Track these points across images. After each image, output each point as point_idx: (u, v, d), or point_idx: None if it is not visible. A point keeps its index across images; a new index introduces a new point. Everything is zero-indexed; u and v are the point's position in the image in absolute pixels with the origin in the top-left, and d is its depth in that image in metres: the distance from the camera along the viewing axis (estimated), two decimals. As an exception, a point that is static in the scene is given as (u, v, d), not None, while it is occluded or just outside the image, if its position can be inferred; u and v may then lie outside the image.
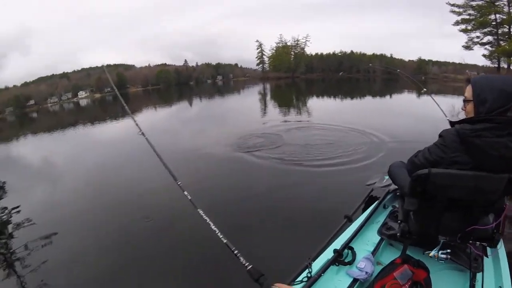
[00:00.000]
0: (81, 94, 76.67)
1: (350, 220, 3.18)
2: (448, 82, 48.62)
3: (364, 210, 3.46)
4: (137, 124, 2.21)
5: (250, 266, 1.75)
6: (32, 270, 4.62)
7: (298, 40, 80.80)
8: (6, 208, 7.41)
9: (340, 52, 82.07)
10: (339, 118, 12.99)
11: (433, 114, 6.58)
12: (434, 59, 70.15)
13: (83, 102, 63.96)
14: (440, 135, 2.01)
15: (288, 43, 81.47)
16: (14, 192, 8.66)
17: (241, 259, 1.80)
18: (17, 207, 7.26)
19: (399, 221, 2.55)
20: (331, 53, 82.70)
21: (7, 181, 9.78)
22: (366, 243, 2.79)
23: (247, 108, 22.72)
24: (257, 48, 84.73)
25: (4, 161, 14.91)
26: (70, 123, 25.97)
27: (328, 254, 2.52)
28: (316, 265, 2.36)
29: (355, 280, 2.28)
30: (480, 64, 45.99)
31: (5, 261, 5.21)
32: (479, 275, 2.24)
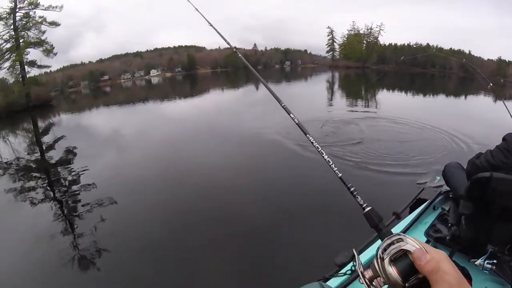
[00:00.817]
0: (153, 72, 79.55)
1: (398, 217, 3.13)
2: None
3: (412, 208, 3.42)
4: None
5: (369, 208, 1.69)
6: (89, 227, 4.98)
7: (371, 29, 77.45)
8: (74, 170, 7.97)
9: (415, 44, 77.89)
10: (407, 113, 12.23)
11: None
12: (516, 61, 64.38)
13: (154, 80, 66.52)
14: (503, 139, 1.95)
15: (361, 31, 78.47)
16: (83, 157, 9.26)
17: (359, 198, 1.74)
18: (85, 169, 7.76)
19: (449, 224, 2.50)
20: (406, 44, 78.77)
21: (78, 146, 10.47)
22: None
23: (312, 95, 22.31)
24: (328, 35, 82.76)
25: (77, 129, 15.92)
26: (140, 98, 27.04)
27: (374, 249, 2.31)
28: (362, 258, 2.17)
29: None
30: None
31: (66, 218, 5.60)
32: None
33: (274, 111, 13.29)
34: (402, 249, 0.69)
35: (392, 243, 0.72)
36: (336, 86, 32.13)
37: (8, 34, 30.00)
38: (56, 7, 31.87)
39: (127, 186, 6.71)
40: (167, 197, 5.94)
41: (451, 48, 72.41)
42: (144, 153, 9.20)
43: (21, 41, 30.44)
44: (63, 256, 4.27)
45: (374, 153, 7.63)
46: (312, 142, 1.92)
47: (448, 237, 2.44)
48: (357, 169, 6.62)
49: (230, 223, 4.78)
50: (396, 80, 37.88)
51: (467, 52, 70.19)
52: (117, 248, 4.36)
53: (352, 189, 1.81)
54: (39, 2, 31.40)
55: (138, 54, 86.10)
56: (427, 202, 3.29)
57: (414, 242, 0.70)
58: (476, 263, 2.12)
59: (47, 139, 13.64)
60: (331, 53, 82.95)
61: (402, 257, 0.68)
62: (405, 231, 2.69)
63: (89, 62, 71.91)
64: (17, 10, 30.32)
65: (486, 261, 2.08)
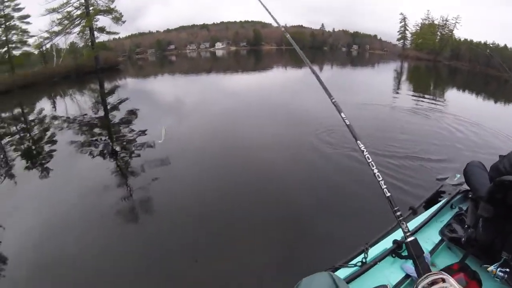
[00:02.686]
0: (218, 45, 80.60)
1: (414, 212, 3.07)
2: None
3: (428, 204, 3.34)
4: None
5: (411, 239, 1.70)
6: (141, 184, 5.34)
7: (447, 20, 72.71)
8: (134, 130, 8.35)
9: (492, 44, 72.37)
10: (469, 114, 11.16)
11: None
12: None
13: (219, 53, 67.43)
14: None
15: (436, 22, 74.32)
16: (144, 120, 9.61)
17: (404, 224, 1.71)
18: (144, 130, 7.97)
19: (466, 226, 2.46)
20: (482, 42, 73.40)
21: (140, 109, 10.77)
22: (426, 241, 2.65)
23: (379, 84, 21.40)
24: (400, 22, 79.18)
25: (141, 93, 16.48)
26: (204, 69, 27.37)
27: (386, 243, 2.42)
28: (373, 251, 2.30)
29: (407, 276, 2.21)
30: None
31: (121, 172, 5.98)
32: None
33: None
34: None
35: (434, 283, 0.71)
36: (403, 77, 30.62)
37: (78, 1, 31.54)
38: None
39: (182, 151, 6.98)
40: (217, 166, 6.14)
41: None
42: (202, 122, 9.44)
43: (91, 8, 31.80)
44: (114, 207, 4.61)
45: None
46: (363, 151, 1.86)
47: (463, 239, 2.39)
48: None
49: (271, 201, 4.84)
50: (469, 79, 35.51)
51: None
52: (164, 207, 4.61)
53: (398, 213, 1.72)
54: None
55: (204, 26, 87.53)
56: (445, 200, 3.19)
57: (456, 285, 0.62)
58: (488, 269, 2.06)
59: (111, 99, 14.18)
60: (402, 41, 79.32)
61: None
62: (420, 227, 2.68)
63: (157, 31, 73.99)
64: None
65: (498, 269, 2.02)
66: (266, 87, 17.66)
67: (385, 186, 1.69)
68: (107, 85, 20.58)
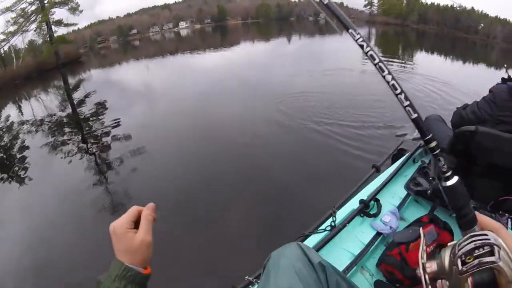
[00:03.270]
0: (182, 24, 79.21)
1: (378, 170, 3.06)
2: None
3: (392, 161, 3.35)
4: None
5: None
6: (121, 178, 5.31)
7: (412, -16, 73.66)
8: (105, 123, 8.39)
9: (460, 7, 73.09)
10: (436, 74, 11.48)
11: None
12: None
13: (184, 32, 66.48)
14: (490, 90, 1.91)
15: (402, -14, 74.69)
16: (114, 110, 9.63)
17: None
18: (116, 121, 8.15)
19: (430, 178, 2.51)
20: (449, 6, 73.98)
21: (109, 100, 10.61)
22: (392, 197, 2.69)
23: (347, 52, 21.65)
24: (366, -12, 79.54)
25: (107, 83, 16.20)
26: (170, 51, 27.00)
27: (353, 204, 2.44)
28: (341, 214, 2.30)
29: (378, 234, 2.25)
30: None
31: (99, 169, 5.93)
32: None
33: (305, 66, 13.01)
34: (491, 267, 0.57)
35: (479, 247, 0.59)
36: (372, 43, 30.81)
37: None
38: None
39: (156, 137, 6.94)
40: (194, 148, 6.15)
41: (496, 16, 67.78)
42: (174, 105, 9.42)
43: (45, 1, 30.63)
44: (96, 205, 4.53)
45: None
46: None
47: (429, 191, 2.44)
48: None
49: (249, 178, 4.91)
50: (437, 42, 36.13)
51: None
52: (147, 196, 4.42)
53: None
54: None
55: (166, 7, 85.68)
56: (407, 155, 3.24)
57: (509, 258, 0.58)
58: None
59: (78, 94, 13.82)
60: (369, 7, 79.68)
61: (484, 270, 0.58)
62: (385, 184, 2.67)
63: (117, 17, 72.18)
64: None
65: None
66: (234, 63, 17.62)
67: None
68: (71, 80, 19.97)
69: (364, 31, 45.66)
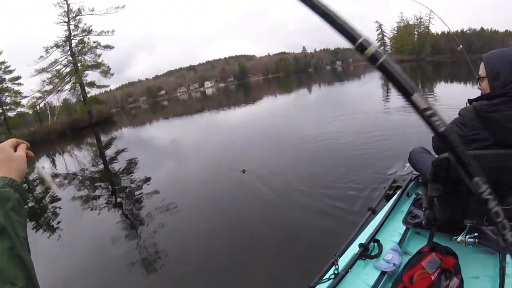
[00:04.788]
0: (207, 84, 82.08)
1: (374, 212, 3.10)
2: None
3: (387, 200, 3.32)
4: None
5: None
6: (149, 233, 5.14)
7: (421, 18, 74.41)
8: (135, 179, 8.45)
9: (469, 30, 73.58)
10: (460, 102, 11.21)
11: None
12: None
13: (209, 91, 68.28)
14: (459, 114, 1.96)
15: (410, 22, 75.77)
16: (144, 167, 9.72)
17: None
18: (146, 178, 8.13)
19: (423, 209, 2.52)
20: (459, 31, 74.45)
21: (139, 157, 10.94)
22: (392, 234, 2.72)
23: (368, 94, 21.82)
24: (377, 30, 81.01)
25: (137, 141, 16.69)
26: (197, 110, 27.79)
27: (354, 249, 2.46)
28: (343, 261, 2.32)
29: (383, 273, 2.24)
30: None
31: (128, 223, 5.90)
32: (508, 257, 2.16)
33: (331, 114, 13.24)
34: None
35: None
36: (390, 83, 30.98)
37: (66, 59, 32.93)
38: (108, 31, 34.95)
39: (186, 194, 6.85)
40: (223, 206, 5.92)
41: (506, 30, 67.94)
42: (203, 162, 9.29)
43: (79, 65, 33.03)
44: (123, 259, 4.44)
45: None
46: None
47: (423, 221, 2.47)
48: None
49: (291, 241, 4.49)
50: (454, 69, 35.94)
51: (527, 32, 65.56)
52: (175, 254, 4.45)
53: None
54: (92, 29, 34.14)
55: (191, 68, 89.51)
56: (400, 190, 3.28)
57: None
58: (457, 240, 2.19)
59: (109, 152, 14.34)
60: (382, 48, 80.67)
61: None
62: (382, 223, 2.74)
63: (146, 79, 75.70)
64: (71, 37, 33.23)
65: (467, 237, 2.16)
66: (258, 117, 17.79)
67: None
68: (104, 138, 20.75)
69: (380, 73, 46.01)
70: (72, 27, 33.24)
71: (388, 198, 3.46)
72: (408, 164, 3.71)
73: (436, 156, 2.12)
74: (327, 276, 2.16)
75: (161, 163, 10.25)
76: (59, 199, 8.00)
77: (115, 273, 4.27)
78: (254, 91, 48.63)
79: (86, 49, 33.83)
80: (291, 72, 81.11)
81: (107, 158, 12.67)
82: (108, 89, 40.93)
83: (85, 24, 33.99)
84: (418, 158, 2.86)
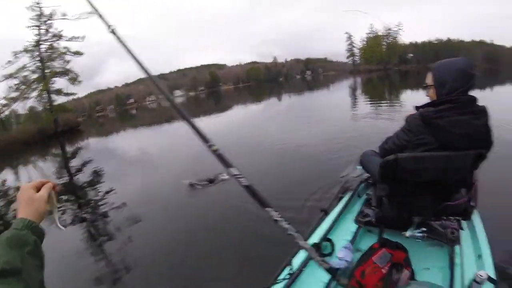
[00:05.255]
0: (177, 92, 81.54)
1: (326, 213, 3.16)
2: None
3: (339, 202, 3.41)
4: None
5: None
6: (116, 247, 5.01)
7: (390, 29, 76.74)
8: (101, 191, 8.25)
9: (436, 40, 76.53)
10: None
11: None
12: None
13: (179, 100, 67.82)
14: (405, 120, 2.08)
15: (380, 33, 78.04)
16: (111, 179, 9.54)
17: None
18: (112, 190, 7.99)
19: (373, 208, 2.69)
20: (427, 41, 77.39)
21: (105, 168, 10.76)
22: (344, 233, 2.81)
23: (337, 103, 22.27)
24: (347, 40, 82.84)
25: (104, 152, 16.47)
26: (165, 119, 27.48)
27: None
28: (297, 261, 2.37)
29: (336, 270, 2.28)
30: None
31: (94, 237, 5.73)
32: (457, 248, 2.36)
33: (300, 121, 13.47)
34: None
35: None
36: (358, 91, 31.80)
37: (34, 65, 32.00)
38: (79, 37, 34.29)
39: (153, 205, 6.69)
40: (191, 217, 5.89)
41: (472, 40, 71.01)
42: (170, 173, 9.19)
43: (47, 71, 32.09)
44: (92, 274, 4.35)
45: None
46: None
47: (373, 219, 2.67)
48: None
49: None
50: (420, 78, 37.24)
51: (489, 41, 68.77)
52: (143, 266, 4.39)
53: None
54: (62, 34, 33.33)
55: (162, 76, 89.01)
56: (351, 191, 3.43)
57: None
58: (406, 235, 2.37)
59: (75, 162, 14.02)
60: (351, 58, 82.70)
61: None
62: (334, 223, 2.84)
63: (115, 87, 74.64)
64: (41, 42, 32.15)
65: (416, 231, 2.34)
66: (226, 126, 18.04)
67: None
68: (69, 148, 20.19)
69: (349, 82, 46.98)
70: (43, 31, 32.59)
71: (340, 199, 3.52)
72: (359, 167, 3.76)
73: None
74: (281, 276, 2.20)
75: (126, 174, 10.10)
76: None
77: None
78: (225, 99, 48.92)
79: (56, 55, 33.10)
80: (262, 81, 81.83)
81: (72, 170, 12.35)
82: (76, 96, 39.95)
83: (56, 29, 33.38)
84: (367, 160, 2.98)
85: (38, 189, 0.95)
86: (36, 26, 32.27)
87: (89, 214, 6.98)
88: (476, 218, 2.73)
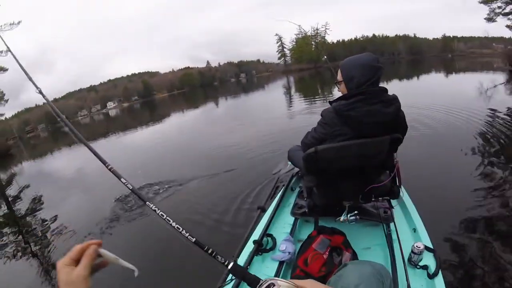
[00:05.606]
0: (110, 104, 78.67)
1: (263, 210, 3.28)
2: (476, 57, 47.25)
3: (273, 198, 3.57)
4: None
5: (232, 264, 1.90)
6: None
7: (317, 29, 79.68)
8: (43, 218, 7.94)
9: (362, 37, 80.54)
10: None
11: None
12: (459, 35, 68.09)
13: (112, 112, 65.47)
14: (321, 115, 2.19)
15: (308, 33, 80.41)
16: (51, 204, 9.21)
17: (219, 257, 1.93)
18: (54, 216, 7.74)
19: (305, 199, 2.76)
20: (353, 38, 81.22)
21: (44, 194, 10.38)
22: (283, 226, 2.95)
23: (272, 102, 22.79)
24: (277, 42, 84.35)
25: (40, 175, 15.72)
26: (101, 134, 26.58)
27: (250, 246, 2.60)
28: (241, 260, 2.45)
29: (281, 263, 2.42)
30: (507, 35, 43.60)
31: (43, 270, 5.47)
32: (392, 225, 2.53)
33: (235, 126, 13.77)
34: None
35: (268, 287, 0.84)
36: (293, 90, 32.71)
37: None
38: (2, 52, 31.19)
39: (98, 228, 6.57)
40: (141, 235, 5.73)
41: (396, 35, 75.37)
42: (111, 191, 9.04)
43: None
44: None
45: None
46: (155, 210, 2.06)
47: (306, 209, 2.79)
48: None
49: None
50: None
51: (413, 35, 73.40)
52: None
53: (210, 250, 1.96)
54: None
55: (92, 88, 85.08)
56: (284, 186, 3.58)
57: (285, 282, 0.85)
58: (340, 220, 2.48)
59: (11, 191, 13.22)
60: (282, 59, 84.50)
61: None
62: (271, 218, 2.95)
63: (44, 103, 70.83)
64: None
65: (348, 215, 2.46)
66: (162, 134, 17.95)
67: (187, 234, 1.96)
68: (3, 175, 19.00)
69: (283, 81, 47.96)
70: (-40, 48, 29.74)
71: (274, 195, 3.70)
72: (290, 162, 3.94)
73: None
74: (229, 278, 2.22)
75: (67, 197, 9.67)
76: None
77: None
78: (160, 108, 47.79)
79: (-23, 73, 30.52)
80: (197, 86, 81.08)
81: (9, 199, 11.74)
82: (3, 117, 37.23)
83: None
84: (294, 155, 3.18)
85: (77, 261, 0.85)
86: (-47, 43, 29.34)
87: (35, 244, 6.73)
88: (404, 195, 2.86)
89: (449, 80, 21.24)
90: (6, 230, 8.04)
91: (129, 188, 2.23)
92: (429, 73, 28.90)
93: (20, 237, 7.42)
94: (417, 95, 14.84)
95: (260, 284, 0.86)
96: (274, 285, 0.83)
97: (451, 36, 67.57)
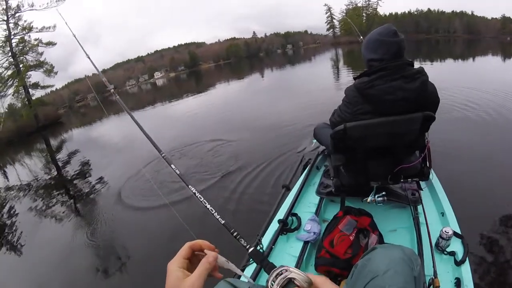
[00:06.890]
0: (157, 74, 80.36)
1: (288, 189, 3.20)
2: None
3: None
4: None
5: (252, 249, 1.90)
6: (112, 236, 5.14)
7: (369, 0, 76.84)
8: (90, 181, 8.33)
9: (417, 11, 76.45)
10: None
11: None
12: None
13: (159, 82, 66.82)
14: (344, 93, 2.14)
15: (359, 4, 77.72)
16: (98, 168, 9.56)
17: (242, 241, 1.94)
18: (101, 179, 8.14)
19: (331, 178, 2.67)
20: (407, 12, 77.30)
21: (92, 158, 10.82)
22: (308, 206, 2.91)
23: (318, 75, 22.27)
24: (326, 13, 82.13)
25: (89, 142, 16.28)
26: (148, 102, 27.09)
27: (274, 226, 2.56)
28: (266, 239, 2.42)
29: (306, 243, 2.39)
30: None
31: (89, 225, 5.72)
32: (420, 208, 2.46)
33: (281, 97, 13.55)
34: (288, 278, 0.78)
35: (279, 274, 0.80)
36: (341, 63, 31.80)
37: (7, 61, 30.92)
38: (50, 27, 32.52)
39: (143, 193, 6.51)
40: (181, 203, 5.57)
41: (453, 11, 71.03)
42: (156, 159, 9.06)
43: (21, 65, 31.25)
44: (88, 265, 4.41)
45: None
46: (194, 193, 2.12)
47: (333, 189, 2.68)
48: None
49: None
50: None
51: (470, 13, 68.81)
52: (137, 252, 4.46)
53: (235, 233, 1.97)
54: (32, 26, 32.04)
55: (139, 59, 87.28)
56: (309, 165, 3.54)
57: (298, 271, 0.80)
58: (368, 201, 2.44)
59: (61, 155, 13.80)
60: (331, 30, 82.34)
61: (288, 284, 0.78)
62: (297, 197, 2.90)
63: (93, 74, 73.25)
64: (12, 36, 31.11)
65: (376, 196, 2.41)
66: (209, 105, 17.90)
67: (218, 217, 1.99)
68: (54, 142, 19.79)
69: (332, 53, 46.82)
70: (11, 25, 31.06)
71: (300, 174, 3.60)
72: (315, 140, 3.86)
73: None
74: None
75: (113, 162, 10.00)
76: (16, 214, 7.56)
77: (79, 278, 4.19)
78: (206, 78, 48.22)
79: (28, 48, 31.86)
80: (243, 57, 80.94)
81: (59, 163, 12.16)
82: (53, 88, 38.79)
83: (25, 21, 31.66)
84: (320, 133, 3.10)
85: (190, 259, 0.79)
86: (3, 20, 30.86)
87: (81, 205, 7.00)
88: (434, 177, 2.86)
89: (506, 64, 19.51)
90: (55, 191, 8.37)
91: (176, 174, 2.31)
92: (485, 55, 26.87)
93: (67, 197, 7.75)
94: (474, 75, 14.01)
95: (273, 270, 0.81)
96: (286, 270, 0.80)
97: (511, 17, 62.34)
